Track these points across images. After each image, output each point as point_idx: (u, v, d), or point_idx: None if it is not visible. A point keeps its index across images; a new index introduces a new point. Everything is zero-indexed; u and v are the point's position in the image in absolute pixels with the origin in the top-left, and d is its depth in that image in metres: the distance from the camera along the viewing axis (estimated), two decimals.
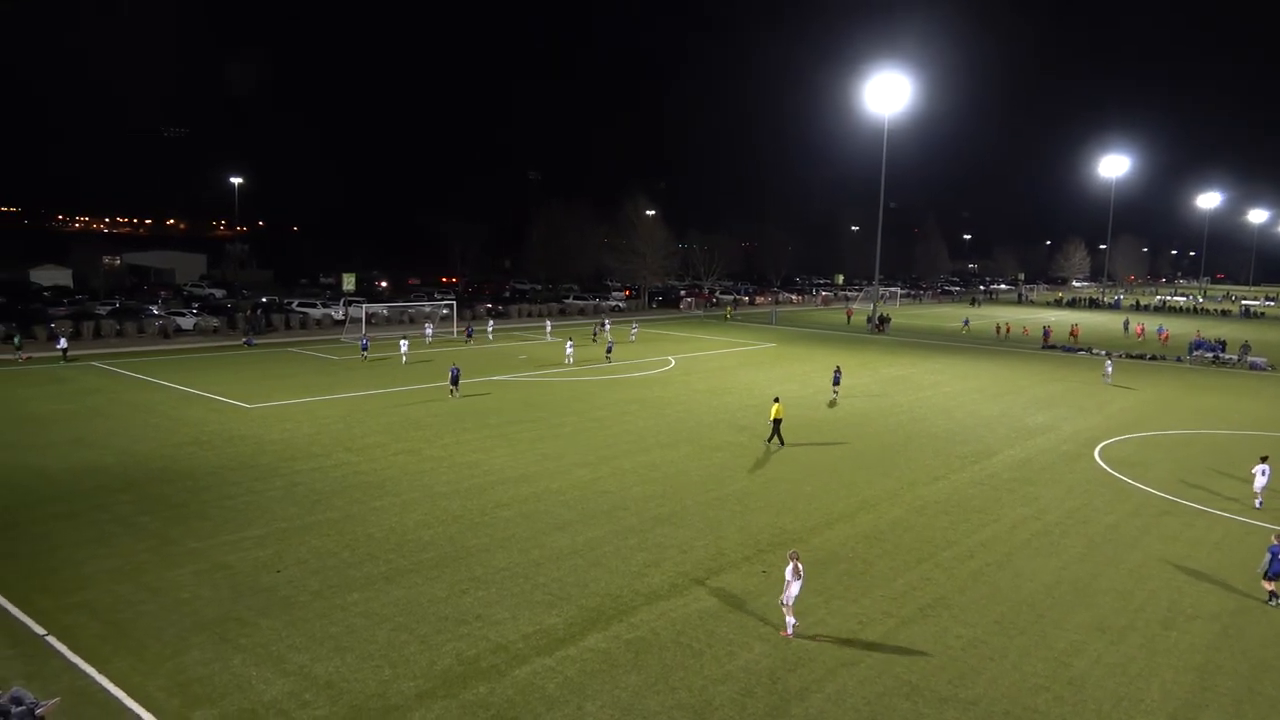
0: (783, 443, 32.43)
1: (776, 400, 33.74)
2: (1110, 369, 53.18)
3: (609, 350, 54.92)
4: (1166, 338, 78.76)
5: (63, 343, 48.90)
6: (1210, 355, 64.53)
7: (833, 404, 41.57)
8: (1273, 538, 19.23)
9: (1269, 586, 19.06)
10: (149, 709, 13.58)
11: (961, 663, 15.99)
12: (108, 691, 14.06)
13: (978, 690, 15.02)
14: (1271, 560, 18.81)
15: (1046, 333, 75.33)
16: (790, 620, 16.79)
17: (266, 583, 18.60)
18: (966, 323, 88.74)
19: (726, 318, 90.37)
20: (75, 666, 14.84)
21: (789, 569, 16.76)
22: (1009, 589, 19.48)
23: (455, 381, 40.35)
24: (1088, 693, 15.08)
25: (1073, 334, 76.96)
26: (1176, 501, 26.77)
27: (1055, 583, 19.94)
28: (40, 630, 16.09)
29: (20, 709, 11.94)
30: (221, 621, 16.72)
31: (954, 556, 21.39)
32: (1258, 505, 26.33)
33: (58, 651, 15.34)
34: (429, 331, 63.93)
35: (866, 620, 17.65)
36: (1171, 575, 20.64)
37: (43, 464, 27.27)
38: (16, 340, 49.10)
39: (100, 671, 14.66)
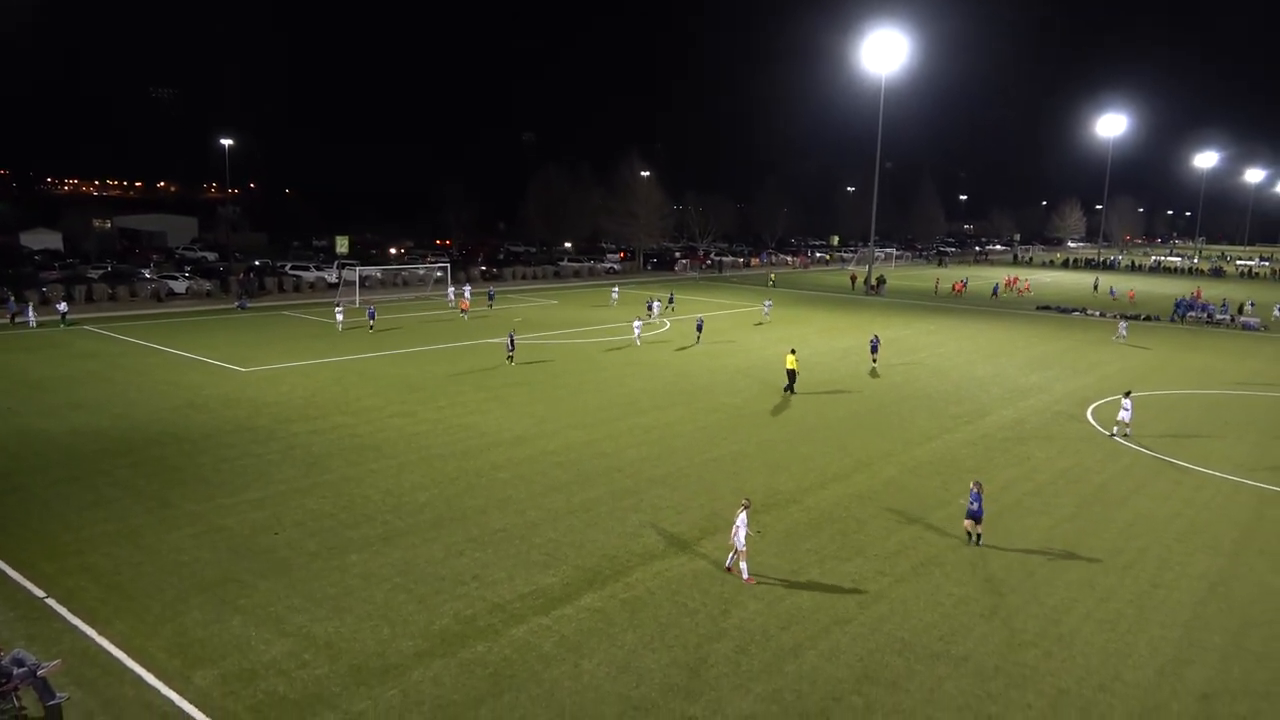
0: (792, 392, 34.89)
1: (793, 351, 36.34)
2: (1124, 328, 53.89)
3: (699, 328, 48.74)
4: (1132, 296, 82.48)
5: (63, 307, 48.84)
6: (1205, 315, 64.83)
7: (873, 373, 39.71)
8: (972, 484, 20.15)
9: (967, 527, 19.92)
10: (150, 670, 13.74)
11: (953, 620, 16.22)
12: (109, 653, 14.21)
13: (968, 646, 15.25)
14: (973, 503, 19.65)
15: (996, 289, 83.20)
16: (741, 564, 17.79)
17: (265, 545, 18.73)
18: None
19: (770, 283, 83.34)
20: (76, 629, 14.98)
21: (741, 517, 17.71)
22: (1000, 548, 19.70)
23: (512, 345, 39.90)
24: (1076, 648, 15.32)
25: (1012, 285, 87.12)
26: (1168, 461, 26.98)
27: (1046, 541, 20.17)
28: (40, 593, 16.22)
29: (22, 670, 12.07)
30: (221, 583, 16.86)
31: (947, 516, 21.58)
32: (1112, 433, 29.45)
33: (59, 614, 15.47)
34: (452, 294, 62.74)
35: (860, 579, 17.86)
36: (1161, 534, 20.87)
37: (45, 428, 27.32)
38: (13, 302, 49.82)
39: (101, 633, 14.81)
